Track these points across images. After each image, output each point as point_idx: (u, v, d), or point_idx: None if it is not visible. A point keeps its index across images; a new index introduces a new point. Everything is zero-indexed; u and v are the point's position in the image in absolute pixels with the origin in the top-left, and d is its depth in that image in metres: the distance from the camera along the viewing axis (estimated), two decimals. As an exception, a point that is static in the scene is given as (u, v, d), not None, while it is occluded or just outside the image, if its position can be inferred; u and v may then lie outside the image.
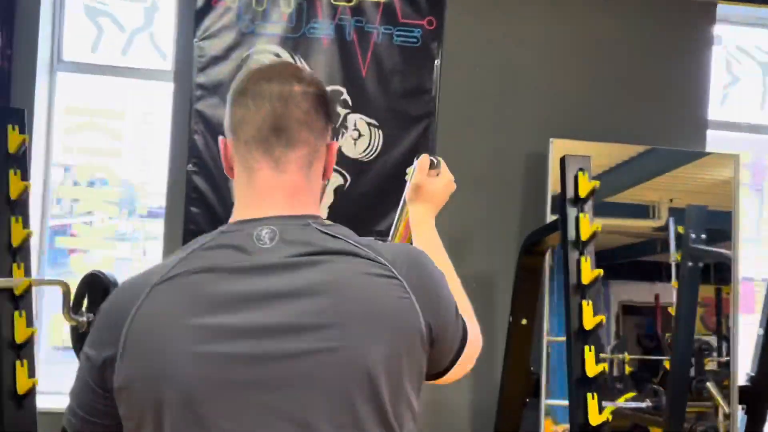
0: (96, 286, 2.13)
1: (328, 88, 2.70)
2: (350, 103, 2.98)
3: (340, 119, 2.97)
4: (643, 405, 2.81)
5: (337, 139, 2.95)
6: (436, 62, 3.00)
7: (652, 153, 2.98)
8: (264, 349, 0.76)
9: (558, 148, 2.87)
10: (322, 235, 0.83)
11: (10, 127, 2.17)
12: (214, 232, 0.84)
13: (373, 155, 2.99)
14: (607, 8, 3.10)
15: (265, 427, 0.75)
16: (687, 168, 3.02)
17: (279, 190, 0.86)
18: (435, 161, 1.20)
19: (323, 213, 2.73)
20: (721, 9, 3.16)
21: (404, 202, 1.24)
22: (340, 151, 2.97)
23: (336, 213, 2.97)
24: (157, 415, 0.75)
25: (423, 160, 1.19)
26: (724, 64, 3.37)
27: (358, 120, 2.98)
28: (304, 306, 0.77)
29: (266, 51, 2.93)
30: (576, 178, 2.34)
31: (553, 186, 2.85)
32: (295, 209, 0.85)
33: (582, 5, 3.10)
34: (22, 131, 2.22)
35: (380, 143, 3.00)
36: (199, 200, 2.90)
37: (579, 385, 2.10)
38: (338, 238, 0.83)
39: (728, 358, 2.94)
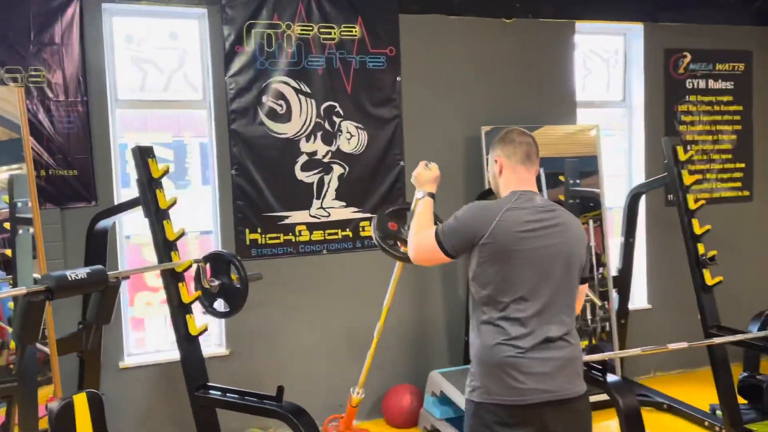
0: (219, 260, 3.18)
1: (325, 104, 3.88)
2: (342, 113, 4.12)
3: (336, 126, 4.11)
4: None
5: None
6: (397, 78, 4.21)
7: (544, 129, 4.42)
8: (542, 235, 2.02)
9: (487, 132, 4.22)
10: (548, 200, 2.15)
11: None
12: (515, 194, 2.07)
13: (362, 149, 4.17)
14: (507, 32, 4.46)
15: (541, 265, 2.00)
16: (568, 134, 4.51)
17: (530, 182, 2.13)
18: (427, 163, 2.45)
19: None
20: (579, 26, 4.65)
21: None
22: (338, 148, 4.13)
23: (340, 192, 4.13)
24: (507, 256, 1.98)
25: (420, 165, 2.45)
26: (582, 61, 4.88)
27: (348, 125, 4.14)
28: (556, 226, 2.05)
29: (278, 81, 3.98)
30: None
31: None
32: (534, 189, 2.12)
33: (490, 32, 4.43)
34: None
35: (366, 140, 4.18)
36: (242, 195, 3.95)
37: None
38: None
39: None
